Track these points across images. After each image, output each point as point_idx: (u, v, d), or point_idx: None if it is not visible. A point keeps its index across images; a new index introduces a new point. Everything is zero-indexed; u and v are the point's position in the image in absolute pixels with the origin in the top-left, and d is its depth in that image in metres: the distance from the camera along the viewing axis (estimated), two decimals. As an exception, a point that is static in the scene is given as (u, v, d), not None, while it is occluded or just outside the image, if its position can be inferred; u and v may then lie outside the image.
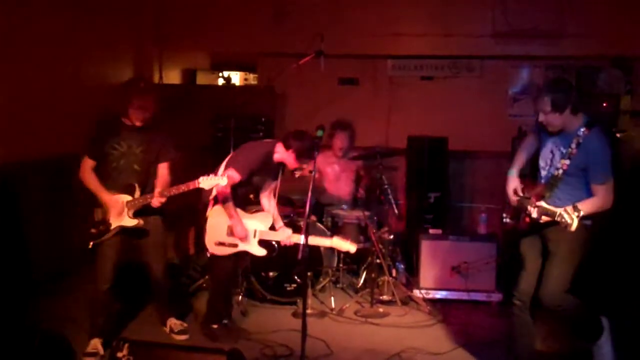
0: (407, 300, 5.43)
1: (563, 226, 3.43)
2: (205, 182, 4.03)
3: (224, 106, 6.47)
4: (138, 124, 4.14)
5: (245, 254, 4.66)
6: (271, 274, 5.23)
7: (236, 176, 4.35)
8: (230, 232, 4.50)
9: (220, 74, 8.36)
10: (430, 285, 5.45)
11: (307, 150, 4.44)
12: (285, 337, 4.58)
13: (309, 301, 5.13)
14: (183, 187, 4.09)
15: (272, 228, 4.62)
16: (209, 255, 4.52)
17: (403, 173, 6.79)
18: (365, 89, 7.24)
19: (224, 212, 4.44)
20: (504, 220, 4.10)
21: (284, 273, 5.22)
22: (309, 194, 3.87)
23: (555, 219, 3.47)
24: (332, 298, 5.32)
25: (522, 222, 3.88)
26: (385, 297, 5.39)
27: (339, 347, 4.51)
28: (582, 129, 3.65)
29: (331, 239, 4.64)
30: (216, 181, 4.04)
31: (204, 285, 5.60)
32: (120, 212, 4.11)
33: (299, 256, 3.67)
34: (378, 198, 5.70)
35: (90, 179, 4.12)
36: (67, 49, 5.70)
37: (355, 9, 6.90)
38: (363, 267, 5.67)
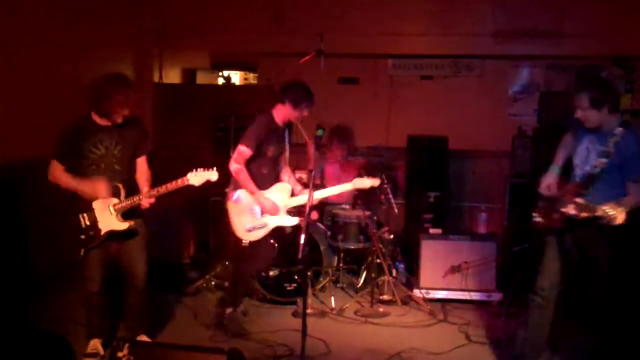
0: (407, 300, 5.42)
1: (606, 221, 3.41)
2: (194, 178, 3.98)
3: (224, 105, 6.47)
4: (119, 121, 3.96)
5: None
6: (271, 273, 5.22)
7: (246, 150, 4.38)
8: (257, 213, 4.52)
9: (220, 74, 8.37)
10: (430, 285, 5.44)
11: (301, 95, 4.49)
12: (285, 336, 4.58)
13: (309, 301, 5.12)
14: (172, 186, 3.98)
15: (292, 195, 4.69)
16: (246, 244, 4.46)
17: (403, 173, 6.79)
18: (366, 88, 7.24)
19: (241, 198, 4.46)
20: (535, 219, 4.10)
21: (284, 272, 5.22)
22: (309, 192, 3.87)
23: (596, 214, 3.46)
24: (332, 298, 5.32)
25: (554, 220, 3.90)
26: (385, 297, 5.39)
27: (339, 346, 4.51)
28: (618, 128, 3.71)
29: (352, 182, 4.74)
30: (206, 176, 3.99)
31: (204, 285, 5.60)
32: (101, 194, 3.95)
33: (299, 255, 3.67)
34: (378, 198, 5.69)
35: (62, 177, 3.95)
36: (66, 49, 5.70)
37: (355, 8, 6.89)
38: (363, 267, 5.66)
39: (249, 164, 4.46)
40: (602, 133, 3.78)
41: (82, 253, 4.01)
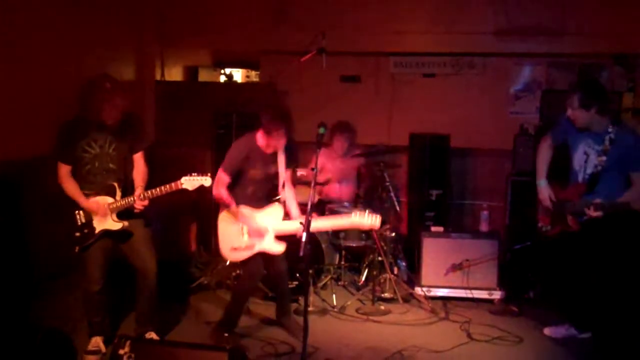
0: (409, 298, 5.43)
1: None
2: (188, 182, 3.97)
3: (226, 103, 6.47)
4: (109, 122, 3.94)
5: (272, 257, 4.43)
6: (273, 271, 5.21)
7: (223, 176, 4.26)
8: (245, 234, 4.35)
9: (222, 71, 8.37)
10: (431, 282, 5.45)
11: (270, 122, 4.16)
12: (286, 334, 4.60)
13: (311, 298, 5.14)
14: (165, 189, 3.98)
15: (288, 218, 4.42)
16: (227, 263, 4.32)
17: (405, 170, 6.79)
18: (367, 86, 7.23)
19: (231, 216, 4.35)
20: (544, 229, 4.20)
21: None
22: (311, 191, 3.87)
23: (621, 201, 3.67)
24: (334, 295, 5.33)
25: (569, 225, 4.00)
26: (386, 295, 5.40)
27: (341, 344, 4.52)
28: (610, 127, 3.88)
29: (349, 216, 4.26)
30: (200, 182, 3.98)
31: (205, 282, 5.61)
32: (103, 214, 3.99)
33: (301, 253, 3.66)
34: (380, 196, 5.69)
35: (69, 186, 3.99)
36: (68, 47, 5.70)
37: (357, 6, 6.88)
38: (365, 265, 5.67)
39: (234, 184, 4.30)
40: (597, 135, 3.92)
41: (77, 250, 4.02)
